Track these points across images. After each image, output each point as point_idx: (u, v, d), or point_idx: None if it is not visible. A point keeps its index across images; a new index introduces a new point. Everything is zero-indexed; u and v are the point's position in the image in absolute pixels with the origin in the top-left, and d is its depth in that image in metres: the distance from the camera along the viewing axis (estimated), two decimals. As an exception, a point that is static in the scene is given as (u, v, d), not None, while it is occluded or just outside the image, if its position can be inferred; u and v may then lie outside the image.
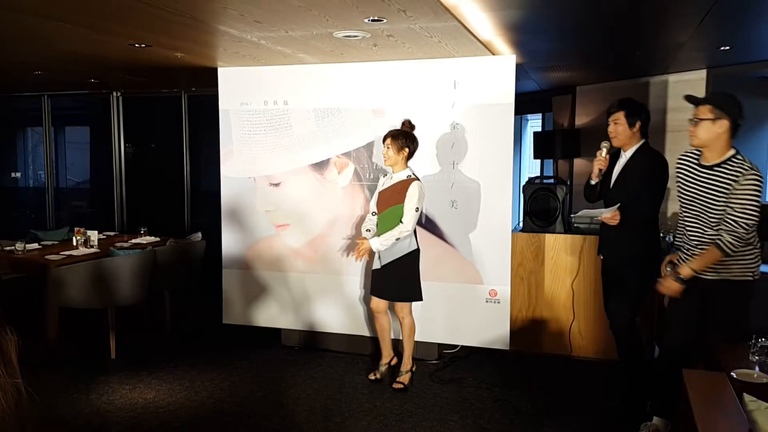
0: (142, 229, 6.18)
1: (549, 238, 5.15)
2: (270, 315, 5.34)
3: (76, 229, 5.80)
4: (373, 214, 4.50)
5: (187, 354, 5.18)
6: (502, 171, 4.71)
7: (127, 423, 3.94)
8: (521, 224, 5.47)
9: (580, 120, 7.45)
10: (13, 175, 9.19)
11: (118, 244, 5.70)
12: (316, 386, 4.54)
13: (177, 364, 4.94)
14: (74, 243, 5.66)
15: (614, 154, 4.14)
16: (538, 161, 8.49)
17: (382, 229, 4.34)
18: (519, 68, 4.73)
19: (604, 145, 4.09)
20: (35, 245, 5.71)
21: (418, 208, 4.26)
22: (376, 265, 4.43)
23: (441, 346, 5.09)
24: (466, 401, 4.29)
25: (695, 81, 6.15)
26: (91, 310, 5.08)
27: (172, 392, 4.41)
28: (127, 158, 7.84)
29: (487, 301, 4.81)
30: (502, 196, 4.72)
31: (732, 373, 2.93)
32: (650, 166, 3.98)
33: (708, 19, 3.96)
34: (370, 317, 4.88)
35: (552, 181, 5.53)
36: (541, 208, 5.25)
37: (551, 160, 7.69)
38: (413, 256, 4.39)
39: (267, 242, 5.30)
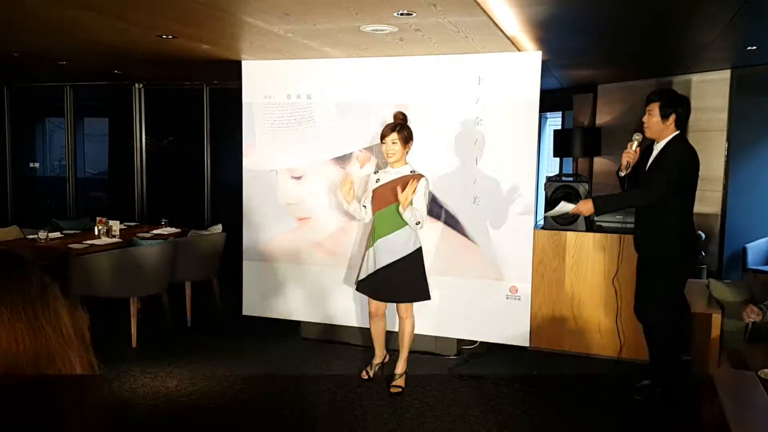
0: (163, 221, 6.21)
1: (570, 236, 5.13)
2: (289, 307, 5.36)
3: (98, 218, 5.84)
4: (363, 207, 4.30)
5: (208, 344, 5.22)
6: (525, 168, 4.70)
7: (150, 411, 3.98)
8: (543, 222, 5.45)
9: (601, 119, 7.42)
10: (32, 165, 9.26)
11: (140, 235, 5.74)
12: (336, 379, 4.55)
13: (198, 354, 4.98)
14: (96, 232, 5.70)
15: (649, 146, 4.12)
16: (556, 159, 8.47)
17: (382, 227, 4.18)
18: (542, 65, 4.71)
19: (636, 137, 4.07)
20: (57, 234, 5.76)
21: (427, 204, 4.17)
22: (373, 266, 4.24)
23: (460, 342, 5.09)
24: (485, 397, 4.29)
25: (719, 81, 6.11)
26: (112, 299, 5.11)
27: (194, 382, 4.45)
28: (148, 150, 7.89)
29: (507, 298, 4.81)
30: (525, 193, 4.71)
31: (759, 373, 2.92)
32: (677, 159, 3.94)
33: (737, 18, 3.93)
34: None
35: (572, 178, 5.51)
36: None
37: (569, 159, 7.67)
38: (418, 254, 4.25)
39: (288, 235, 5.31)
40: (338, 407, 4.10)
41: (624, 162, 4.08)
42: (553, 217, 4.92)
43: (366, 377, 4.47)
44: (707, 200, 6.31)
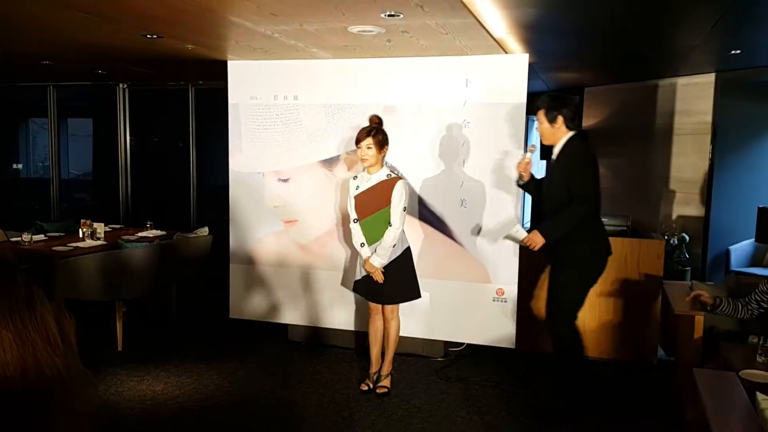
0: (149, 223, 6.17)
1: (557, 237, 5.14)
2: (277, 310, 5.34)
3: (82, 221, 5.78)
4: (354, 221, 4.25)
5: (194, 348, 5.18)
6: (512, 171, 4.71)
7: (137, 415, 3.95)
8: (529, 224, 5.47)
9: (588, 121, 7.47)
10: (15, 166, 9.17)
11: (125, 237, 5.69)
12: (323, 381, 4.54)
13: (184, 357, 4.94)
14: (81, 235, 5.65)
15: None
16: (543, 162, 8.50)
17: (370, 236, 4.18)
18: (529, 68, 4.73)
19: (530, 148, 4.10)
20: (41, 236, 5.70)
21: (405, 207, 4.16)
22: (363, 271, 4.26)
23: (447, 344, 5.09)
24: (472, 398, 4.30)
25: (704, 84, 6.18)
26: (98, 302, 5.07)
27: (181, 385, 4.42)
28: (133, 151, 7.83)
29: (494, 300, 4.82)
30: (511, 196, 4.73)
31: (740, 373, 2.95)
32: (571, 162, 3.88)
33: (721, 22, 3.97)
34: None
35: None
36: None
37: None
38: (407, 255, 4.26)
39: (274, 238, 5.29)
40: (325, 409, 4.08)
41: (517, 174, 4.13)
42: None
43: (366, 389, 4.35)
44: (691, 202, 6.37)
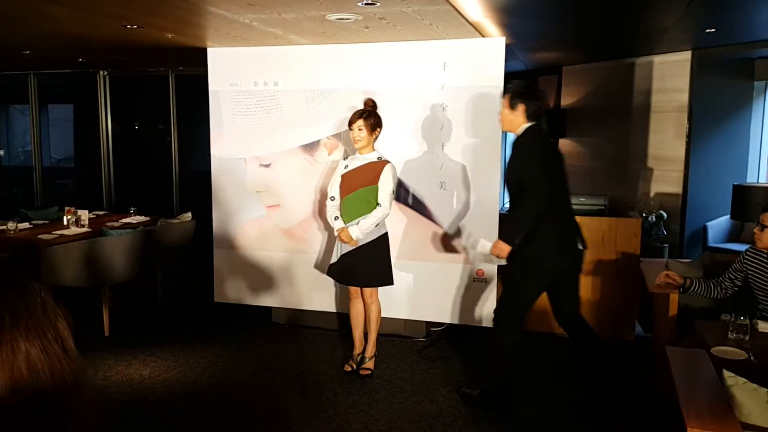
0: (132, 209, 6.20)
1: (535, 218, 5.23)
2: (260, 294, 5.41)
3: (66, 208, 5.81)
4: (332, 198, 4.36)
5: (180, 332, 5.26)
6: (491, 153, 4.79)
7: (125, 398, 4.03)
8: (507, 205, 5.55)
9: (566, 100, 7.53)
10: (-3, 152, 9.13)
11: (109, 224, 5.72)
12: (307, 362, 4.64)
13: (170, 341, 5.02)
14: (65, 222, 5.68)
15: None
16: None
17: (349, 212, 4.25)
18: (507, 49, 4.78)
19: None
20: (26, 224, 5.73)
21: (393, 190, 4.25)
22: (339, 251, 4.32)
23: (429, 324, 5.19)
24: (453, 377, 4.41)
25: (680, 62, 6.24)
26: (83, 288, 5.12)
27: (167, 369, 4.50)
28: (115, 137, 7.82)
29: (474, 281, 4.91)
30: (491, 178, 4.80)
31: (712, 350, 3.07)
32: (520, 153, 3.79)
33: (695, 3, 4.03)
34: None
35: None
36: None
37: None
38: (383, 240, 4.33)
39: (257, 222, 5.35)
40: (310, 390, 4.18)
41: None
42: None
43: (349, 369, 4.45)
44: (669, 180, 6.48)
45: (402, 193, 4.93)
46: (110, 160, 7.82)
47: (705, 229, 6.43)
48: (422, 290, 5.00)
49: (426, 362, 4.68)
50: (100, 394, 4.08)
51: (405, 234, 4.96)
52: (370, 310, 4.41)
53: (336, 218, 4.31)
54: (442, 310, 5.02)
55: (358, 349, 4.53)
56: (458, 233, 4.89)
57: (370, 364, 4.46)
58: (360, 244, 4.25)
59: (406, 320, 5.12)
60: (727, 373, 2.57)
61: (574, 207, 5.23)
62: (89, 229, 5.57)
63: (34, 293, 0.82)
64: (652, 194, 6.61)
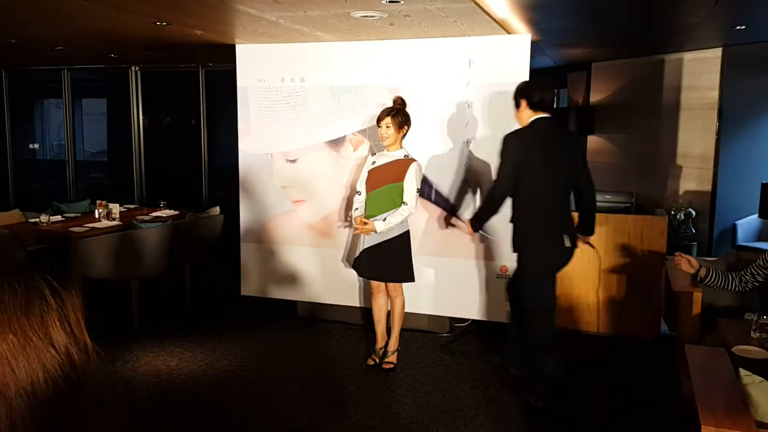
0: (162, 203, 6.32)
1: (560, 215, 5.22)
2: (286, 288, 5.49)
3: (98, 202, 5.95)
4: (359, 193, 4.46)
5: (207, 324, 5.36)
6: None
7: (152, 389, 4.12)
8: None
9: (595, 97, 7.48)
10: (31, 146, 9.35)
11: (139, 217, 5.85)
12: (330, 356, 4.69)
13: (198, 333, 5.12)
14: (96, 215, 5.82)
15: None
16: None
17: (373, 208, 4.31)
18: (534, 45, 4.78)
19: None
20: (58, 217, 5.88)
21: (419, 189, 4.30)
22: (362, 245, 4.38)
23: (452, 320, 5.22)
24: (476, 373, 4.43)
25: (710, 59, 6.17)
26: (114, 281, 5.24)
27: (194, 360, 4.59)
28: (146, 132, 7.97)
29: (498, 277, 4.92)
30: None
31: (733, 349, 3.05)
32: (502, 143, 3.85)
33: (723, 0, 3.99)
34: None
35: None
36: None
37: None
38: (405, 237, 4.36)
39: (284, 217, 5.42)
40: (333, 383, 4.24)
41: None
42: None
43: (372, 363, 4.51)
44: (698, 178, 6.41)
45: (426, 189, 4.96)
46: (141, 154, 7.97)
47: (734, 227, 6.35)
48: (446, 286, 5.03)
49: (449, 358, 4.70)
50: (120, 377, 4.19)
51: (429, 229, 4.99)
52: (395, 304, 4.46)
53: (356, 209, 4.42)
54: (466, 306, 5.04)
55: (380, 344, 4.58)
56: (482, 229, 4.89)
57: (392, 358, 4.51)
58: (383, 239, 4.29)
59: (429, 315, 5.15)
60: (743, 372, 2.56)
61: (600, 204, 5.24)
62: (120, 223, 5.70)
63: (13, 290, 0.79)
64: (680, 192, 6.55)
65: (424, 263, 4.94)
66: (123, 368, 4.42)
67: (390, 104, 4.42)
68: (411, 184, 4.24)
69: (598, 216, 5.09)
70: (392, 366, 4.47)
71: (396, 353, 4.54)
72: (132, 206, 6.79)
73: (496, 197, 3.83)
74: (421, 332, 5.15)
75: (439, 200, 4.97)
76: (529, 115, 3.80)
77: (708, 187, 6.31)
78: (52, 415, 0.79)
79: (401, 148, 4.34)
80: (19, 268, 0.83)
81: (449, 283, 5.02)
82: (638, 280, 5.10)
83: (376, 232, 4.24)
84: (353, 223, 4.43)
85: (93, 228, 5.42)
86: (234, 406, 3.94)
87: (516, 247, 3.86)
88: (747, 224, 6.42)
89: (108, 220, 5.78)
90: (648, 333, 5.10)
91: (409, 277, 4.41)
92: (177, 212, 6.22)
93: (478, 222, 4.02)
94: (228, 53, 5.47)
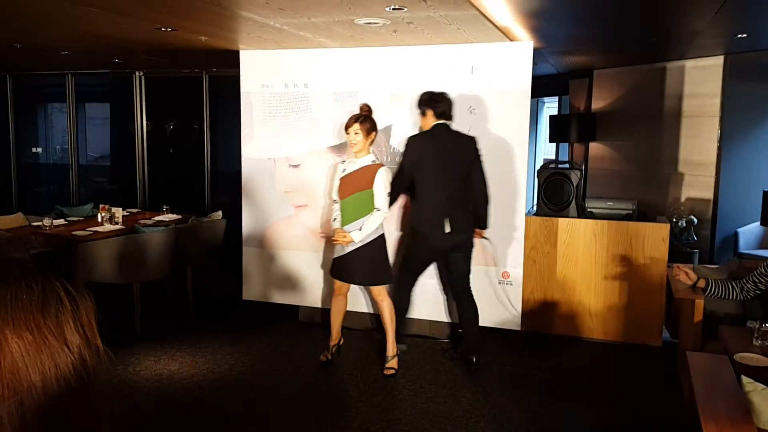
0: (165, 207, 6.34)
1: (562, 222, 5.24)
2: (288, 292, 5.50)
3: (101, 205, 5.96)
4: (335, 201, 4.53)
5: (209, 328, 5.37)
6: (518, 156, 4.80)
7: (153, 393, 4.13)
8: (535, 208, 5.57)
9: (597, 104, 7.50)
10: (34, 150, 9.36)
11: (142, 221, 5.86)
12: (332, 361, 4.70)
13: (199, 337, 5.13)
14: (99, 219, 5.83)
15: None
16: (552, 145, 8.55)
17: (348, 215, 4.39)
18: (536, 52, 4.80)
19: None
20: (62, 221, 5.89)
21: (389, 192, 4.37)
22: (340, 251, 4.45)
23: (453, 326, 5.22)
24: (477, 379, 4.44)
25: (712, 67, 6.19)
26: (116, 284, 5.25)
27: (195, 364, 4.60)
28: (149, 137, 7.99)
29: (499, 283, 4.93)
30: (517, 181, 4.82)
31: (735, 357, 3.05)
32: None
33: (725, 8, 4.01)
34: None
35: (567, 165, 5.61)
36: (555, 193, 5.34)
37: (566, 144, 7.75)
38: (381, 241, 4.44)
39: (286, 222, 5.44)
40: (334, 388, 4.25)
41: None
42: None
43: (324, 360, 4.64)
44: (700, 185, 6.42)
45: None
46: (144, 158, 7.99)
47: (736, 235, 6.35)
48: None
49: (450, 363, 4.71)
50: (121, 381, 4.20)
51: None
52: (382, 308, 4.53)
53: (335, 219, 4.50)
54: (467, 312, 5.04)
55: (334, 341, 4.73)
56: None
57: (393, 363, 4.53)
58: (359, 245, 4.37)
59: (430, 321, 5.16)
60: (745, 379, 2.57)
61: (602, 211, 5.28)
62: (123, 227, 5.71)
63: (30, 288, 0.81)
64: (682, 199, 6.56)
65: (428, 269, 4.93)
66: (124, 372, 4.42)
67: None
68: (380, 189, 4.32)
69: (600, 223, 5.13)
70: (393, 371, 4.48)
71: (396, 358, 4.55)
72: (135, 210, 6.81)
73: (394, 188, 4.44)
74: (422, 338, 5.16)
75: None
76: (432, 122, 4.45)
77: (710, 195, 6.32)
78: (64, 413, 0.80)
79: (369, 153, 4.42)
80: (34, 269, 0.84)
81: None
82: (640, 287, 5.10)
83: (354, 242, 4.34)
84: (332, 235, 4.51)
85: (96, 232, 5.43)
86: (235, 411, 3.94)
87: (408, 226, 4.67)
88: (748, 232, 6.42)
89: (111, 224, 5.79)
90: (649, 340, 5.10)
91: (387, 279, 4.51)
92: (179, 216, 6.23)
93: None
94: (232, 59, 5.49)
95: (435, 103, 4.44)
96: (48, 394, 0.79)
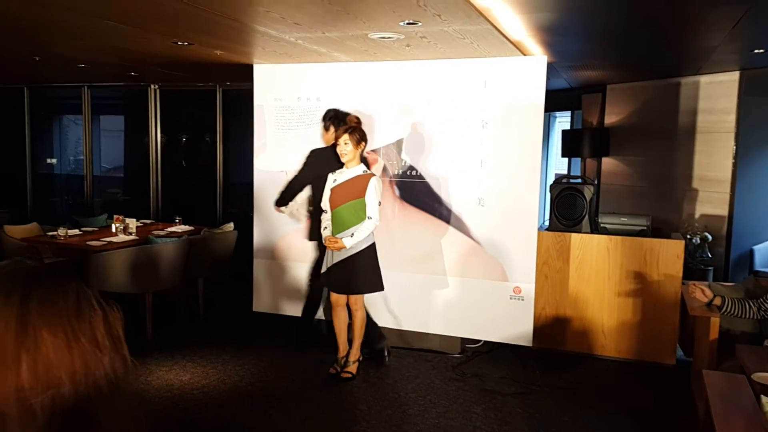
0: (177, 218, 6.37)
1: (575, 237, 5.21)
2: (298, 304, 5.48)
3: (115, 216, 6.00)
4: (325, 212, 4.56)
5: (219, 339, 5.37)
6: (530, 170, 4.79)
7: (165, 403, 4.13)
8: (547, 223, 5.54)
9: (610, 119, 7.47)
10: (48, 161, 9.44)
11: (155, 232, 5.89)
12: (340, 373, 4.67)
13: (210, 348, 5.13)
14: (113, 230, 5.86)
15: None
16: (565, 159, 8.52)
17: (339, 224, 4.41)
18: (549, 67, 4.79)
19: None
20: (76, 231, 5.93)
21: (380, 202, 4.42)
22: (331, 260, 4.48)
23: (464, 341, 5.19)
24: (488, 394, 4.40)
25: (727, 83, 6.15)
26: (128, 294, 5.27)
27: (206, 375, 4.60)
28: (163, 149, 8.05)
29: (511, 298, 4.90)
30: (529, 195, 4.80)
31: (752, 376, 3.01)
32: None
33: (741, 23, 3.99)
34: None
35: (579, 180, 5.58)
36: (567, 208, 5.31)
37: (579, 159, 7.72)
38: (372, 249, 4.49)
39: (297, 234, 5.44)
40: (344, 402, 4.23)
41: None
42: None
43: (333, 372, 4.66)
44: (715, 202, 6.36)
45: (440, 209, 4.97)
46: (158, 170, 8.04)
47: (751, 252, 6.29)
48: (458, 306, 5.01)
49: (461, 379, 4.68)
50: (140, 397, 4.20)
51: (443, 249, 4.99)
52: (356, 317, 4.60)
53: (324, 228, 4.53)
54: (478, 327, 5.02)
55: (342, 353, 4.71)
56: (495, 249, 4.90)
57: (353, 368, 4.63)
58: (351, 254, 4.39)
59: (441, 336, 5.13)
60: (765, 399, 2.53)
61: (615, 227, 5.24)
62: (136, 237, 5.74)
63: (66, 291, 0.86)
64: (697, 216, 6.50)
65: (436, 283, 4.93)
66: (136, 382, 4.41)
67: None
68: (372, 198, 4.36)
69: (613, 238, 5.10)
70: (351, 375, 4.58)
71: (357, 363, 4.66)
72: (148, 221, 6.84)
73: (286, 191, 4.98)
74: (432, 353, 5.13)
75: (453, 220, 4.97)
76: (334, 138, 4.58)
77: (725, 212, 6.26)
78: (92, 414, 0.84)
79: (359, 163, 4.46)
80: (69, 275, 0.89)
81: (461, 304, 5.01)
82: (654, 304, 5.06)
83: (346, 248, 4.37)
84: (324, 242, 4.54)
85: (110, 242, 5.46)
86: (244, 422, 3.93)
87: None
88: (764, 249, 6.35)
89: (125, 234, 5.82)
90: (663, 358, 5.05)
91: (379, 286, 4.56)
92: (192, 228, 6.26)
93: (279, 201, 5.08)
94: (245, 73, 5.53)
95: (340, 120, 4.71)
96: (77, 394, 0.83)
